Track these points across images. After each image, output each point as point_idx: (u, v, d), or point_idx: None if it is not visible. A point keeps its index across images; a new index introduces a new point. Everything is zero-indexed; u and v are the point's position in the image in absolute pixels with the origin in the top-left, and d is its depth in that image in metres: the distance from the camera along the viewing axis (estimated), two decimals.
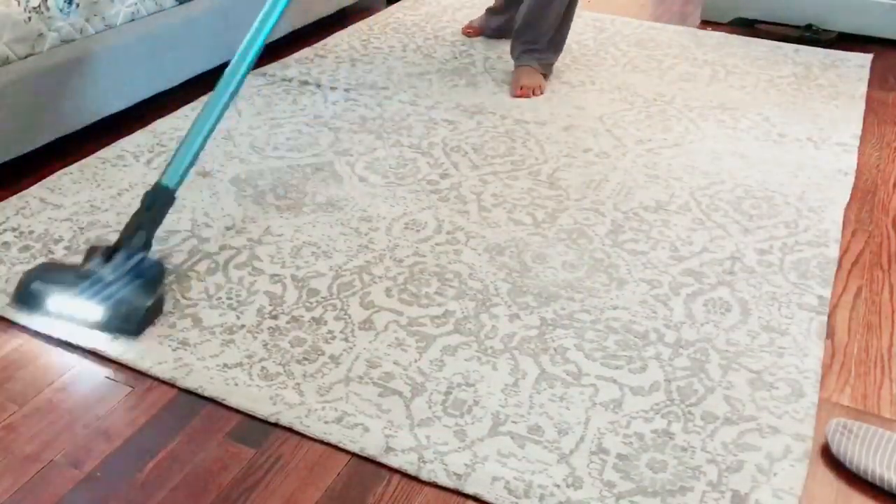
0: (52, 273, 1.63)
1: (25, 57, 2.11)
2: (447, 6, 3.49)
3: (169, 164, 1.68)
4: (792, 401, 1.45)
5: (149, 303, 1.58)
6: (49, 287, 1.59)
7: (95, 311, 1.56)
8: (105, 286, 1.56)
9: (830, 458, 1.35)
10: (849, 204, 2.08)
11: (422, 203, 2.04)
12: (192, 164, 1.69)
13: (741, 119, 2.52)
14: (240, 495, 1.27)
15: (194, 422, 1.40)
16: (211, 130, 1.71)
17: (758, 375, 1.51)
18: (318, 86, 2.68)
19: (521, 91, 2.63)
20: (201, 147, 1.70)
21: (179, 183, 1.68)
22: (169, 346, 1.55)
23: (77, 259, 1.77)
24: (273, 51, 2.90)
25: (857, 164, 2.27)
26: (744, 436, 1.38)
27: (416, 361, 1.53)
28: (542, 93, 2.65)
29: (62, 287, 1.58)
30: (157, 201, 1.66)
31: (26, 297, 1.60)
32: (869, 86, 2.78)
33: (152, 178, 2.10)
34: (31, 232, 1.88)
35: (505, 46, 2.91)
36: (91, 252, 1.63)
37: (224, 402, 1.43)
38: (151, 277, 1.64)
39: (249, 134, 2.36)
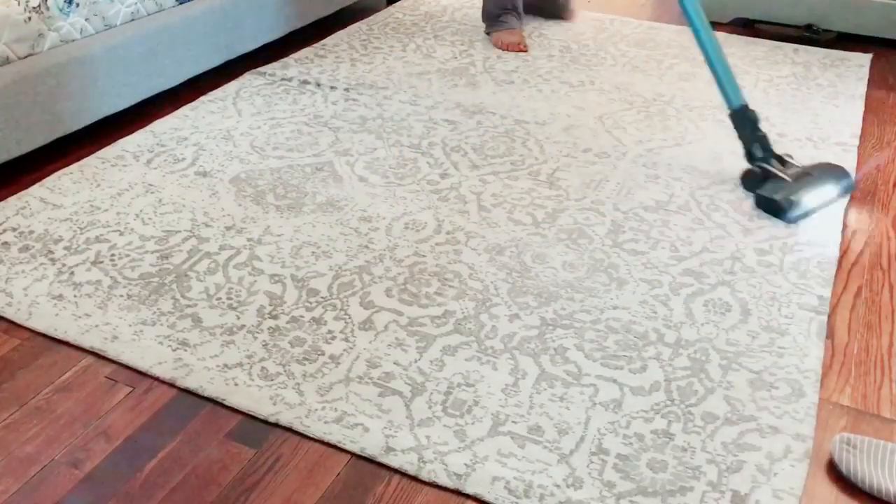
0: (783, 186, 2.02)
1: (25, 57, 2.11)
2: (447, 6, 3.49)
3: (724, 92, 2.09)
4: (792, 401, 1.45)
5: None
6: (799, 193, 1.99)
7: (832, 192, 2.03)
8: (808, 176, 2.04)
9: (832, 460, 1.34)
10: (849, 204, 2.08)
11: (422, 203, 2.04)
12: (732, 79, 2.09)
13: None
14: (240, 495, 1.27)
15: (194, 422, 1.40)
16: (718, 56, 2.09)
17: (758, 375, 1.51)
18: (318, 85, 2.67)
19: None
20: (726, 69, 2.09)
21: (740, 97, 2.09)
22: (169, 346, 1.55)
23: (79, 258, 1.78)
24: (273, 51, 2.90)
25: (857, 164, 2.27)
26: (744, 436, 1.38)
27: (416, 361, 1.53)
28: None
29: (803, 188, 2.00)
30: (745, 121, 2.09)
31: (793, 207, 1.97)
32: (869, 86, 2.78)
33: (152, 178, 2.10)
34: (31, 232, 1.88)
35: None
36: (751, 173, 2.09)
37: (224, 402, 1.44)
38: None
39: (249, 134, 2.36)
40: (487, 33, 3.12)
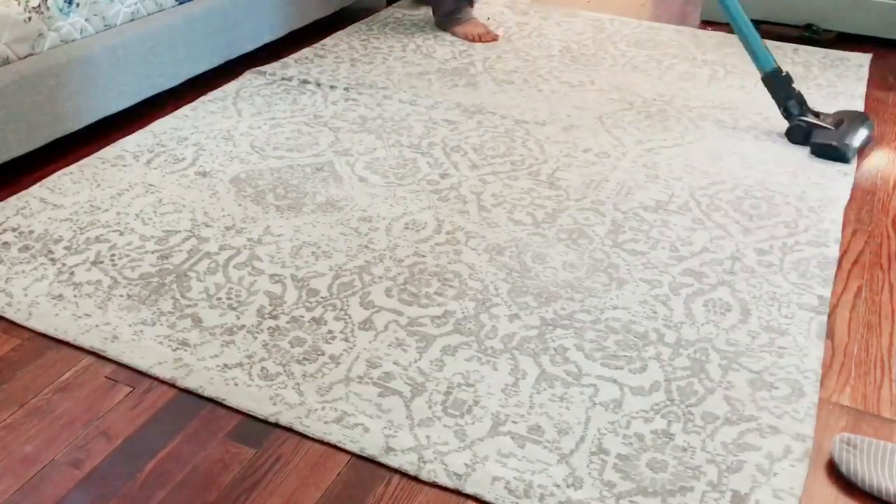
0: (831, 133, 2.32)
1: (25, 57, 2.11)
2: None
3: (756, 58, 2.38)
4: (792, 401, 1.45)
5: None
6: (848, 137, 2.30)
7: (865, 132, 2.35)
8: (844, 122, 2.36)
9: (832, 460, 1.34)
10: (849, 204, 2.08)
11: (422, 203, 2.04)
12: (762, 45, 2.38)
13: (741, 119, 2.51)
14: (240, 495, 1.27)
15: (194, 422, 1.40)
16: (747, 23, 2.37)
17: (758, 375, 1.51)
18: (318, 85, 2.68)
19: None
20: (753, 33, 2.37)
21: (771, 61, 2.38)
22: (169, 346, 1.55)
23: (79, 258, 1.78)
24: (273, 51, 2.90)
25: (857, 164, 2.27)
26: (744, 436, 1.38)
27: (416, 361, 1.53)
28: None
29: (848, 133, 2.32)
30: (776, 83, 2.39)
31: (850, 150, 2.28)
32: (868, 86, 2.78)
33: (152, 178, 2.10)
34: (31, 232, 1.88)
35: (504, 46, 2.92)
36: (796, 128, 2.36)
37: (224, 402, 1.44)
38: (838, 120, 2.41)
39: (249, 134, 2.36)
40: (445, 30, 3.17)
